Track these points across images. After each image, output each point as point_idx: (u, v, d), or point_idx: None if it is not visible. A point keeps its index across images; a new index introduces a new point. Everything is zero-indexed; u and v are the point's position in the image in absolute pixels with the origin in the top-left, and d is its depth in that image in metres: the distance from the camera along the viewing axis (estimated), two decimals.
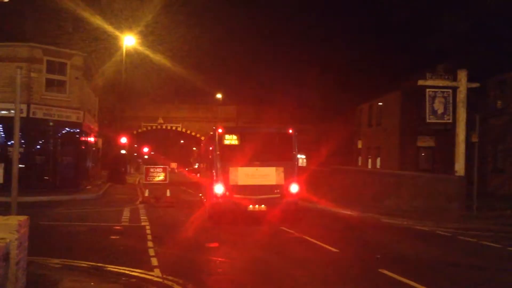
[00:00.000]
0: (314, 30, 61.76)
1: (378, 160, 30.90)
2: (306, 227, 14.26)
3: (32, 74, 21.61)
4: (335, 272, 8.96)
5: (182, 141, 69.40)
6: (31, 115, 21.64)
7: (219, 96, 53.50)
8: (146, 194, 21.69)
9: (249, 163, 14.22)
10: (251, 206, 13.98)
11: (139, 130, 45.05)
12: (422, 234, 14.24)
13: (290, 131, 15.04)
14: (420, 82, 18.55)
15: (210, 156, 15.53)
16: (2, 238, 5.08)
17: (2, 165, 21.56)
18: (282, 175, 14.35)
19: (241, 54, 74.59)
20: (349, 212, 18.55)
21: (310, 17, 59.80)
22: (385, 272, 8.59)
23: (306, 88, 40.66)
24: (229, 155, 14.41)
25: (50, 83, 22.92)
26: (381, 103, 30.98)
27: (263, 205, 14.04)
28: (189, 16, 39.79)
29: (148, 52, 31.75)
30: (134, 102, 41.24)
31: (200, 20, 47.38)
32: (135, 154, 62.21)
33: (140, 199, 22.23)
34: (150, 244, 10.93)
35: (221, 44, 56.95)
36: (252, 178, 14.23)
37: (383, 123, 30.34)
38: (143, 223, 14.48)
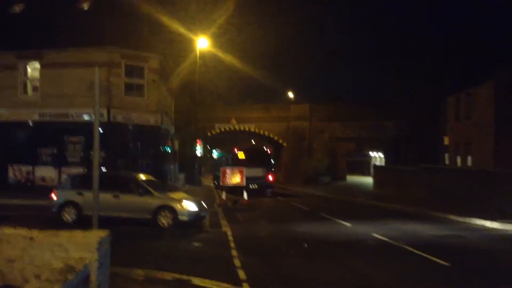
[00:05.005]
0: (393, 21, 59.19)
1: (469, 157, 28.29)
2: (400, 235, 12.91)
3: (112, 79, 21.73)
4: None
5: (253, 142, 69.12)
6: (111, 119, 21.79)
7: (291, 95, 52.33)
8: (223, 196, 21.19)
9: (249, 165, 24.47)
10: (250, 185, 24.76)
11: (213, 132, 44.97)
12: None
13: (268, 150, 31.18)
14: None
15: (231, 162, 28.77)
16: (80, 258, 4.42)
17: (85, 170, 21.90)
18: (264, 171, 28.14)
19: (314, 53, 73.35)
20: (445, 216, 16.83)
21: (386, 8, 57.29)
22: None
23: (384, 82, 38.45)
24: (240, 161, 27.65)
25: (128, 87, 23.00)
26: (470, 95, 28.35)
27: (256, 185, 26.75)
28: (260, 16, 39.34)
29: (220, 53, 31.55)
30: (207, 103, 41.20)
31: (271, 20, 46.56)
32: (209, 156, 62.72)
33: (218, 201, 21.77)
34: (234, 252, 10.22)
35: (293, 43, 56.00)
36: (251, 172, 24.40)
37: (474, 117, 27.73)
38: (224, 229, 13.88)
